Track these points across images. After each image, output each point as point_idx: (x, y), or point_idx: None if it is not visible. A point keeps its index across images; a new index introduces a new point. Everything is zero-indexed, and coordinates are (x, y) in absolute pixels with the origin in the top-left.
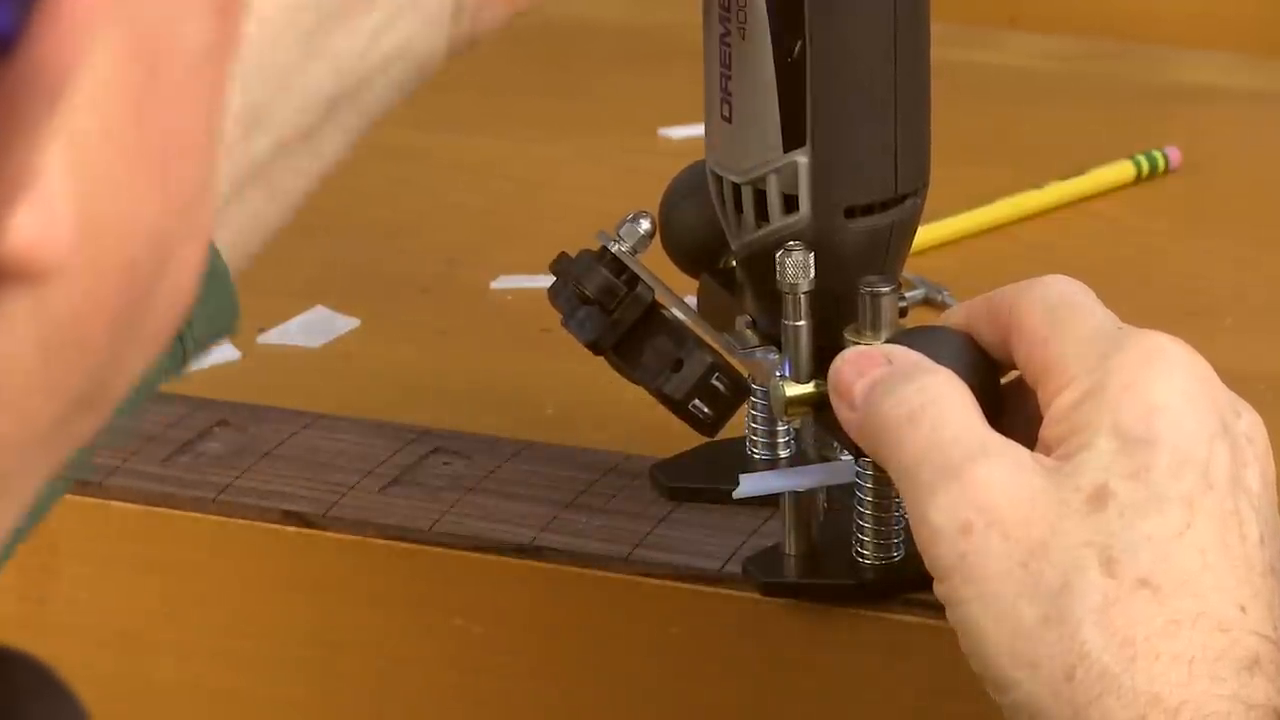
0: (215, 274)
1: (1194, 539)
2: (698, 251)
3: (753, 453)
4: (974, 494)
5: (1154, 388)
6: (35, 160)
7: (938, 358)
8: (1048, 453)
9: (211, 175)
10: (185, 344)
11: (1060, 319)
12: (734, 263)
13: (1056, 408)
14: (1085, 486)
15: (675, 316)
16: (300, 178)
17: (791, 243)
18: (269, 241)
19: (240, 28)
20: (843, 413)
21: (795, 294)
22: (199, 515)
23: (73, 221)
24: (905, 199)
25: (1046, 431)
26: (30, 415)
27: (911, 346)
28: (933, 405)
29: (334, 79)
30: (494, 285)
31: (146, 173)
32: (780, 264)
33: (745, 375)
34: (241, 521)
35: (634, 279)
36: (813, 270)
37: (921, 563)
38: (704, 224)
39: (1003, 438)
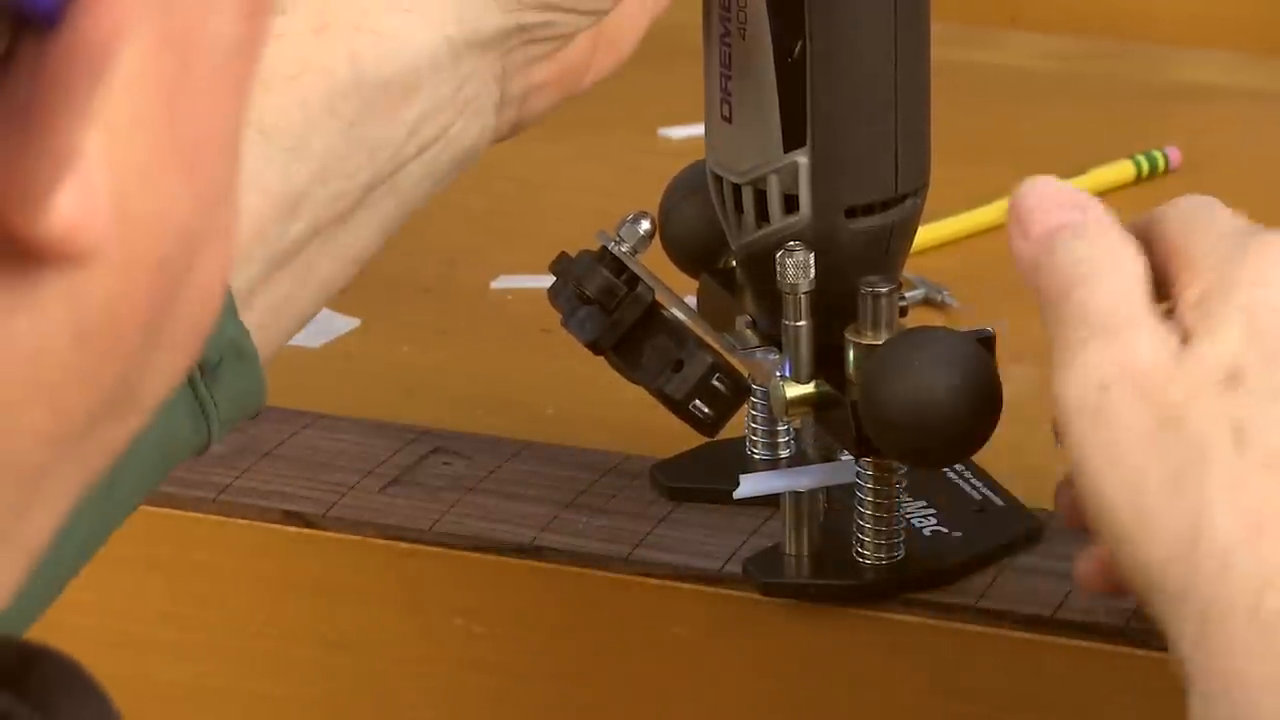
0: (244, 356)
1: None
2: (698, 251)
3: (753, 453)
4: (1121, 354)
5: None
6: (78, 140)
7: (937, 358)
8: (1181, 341)
9: (235, 176)
10: (210, 423)
11: (1192, 224)
12: (734, 263)
13: (1186, 300)
14: (1220, 366)
15: (675, 317)
16: (333, 261)
17: (792, 243)
18: (301, 327)
19: (269, 28)
20: (1016, 239)
21: (795, 294)
22: (199, 515)
23: (109, 208)
24: (905, 199)
25: (1179, 322)
26: (66, 409)
27: (912, 346)
28: (1112, 270)
29: (371, 168)
30: (494, 285)
31: (177, 167)
32: (780, 264)
33: (745, 375)
34: (241, 521)
35: (634, 279)
36: (813, 270)
37: (921, 562)
38: (704, 223)
39: (1161, 315)
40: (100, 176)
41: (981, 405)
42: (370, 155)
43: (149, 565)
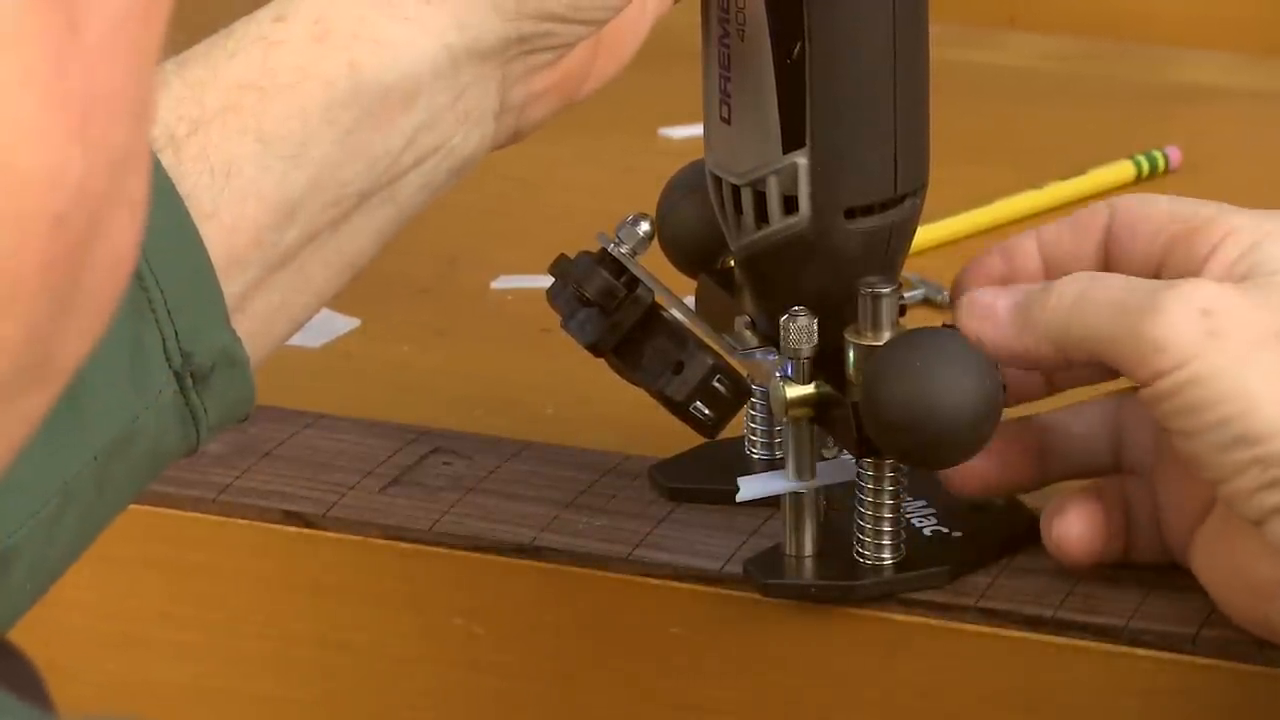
0: (235, 363)
1: None
2: (696, 251)
3: (752, 453)
4: (1199, 291)
5: None
6: None
7: (937, 359)
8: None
9: (143, 142)
10: (199, 429)
11: (1183, 202)
12: (732, 263)
13: (1227, 251)
14: None
15: (675, 318)
16: (327, 268)
17: (797, 309)
18: (294, 332)
19: None
20: (987, 332)
21: (799, 359)
22: (199, 515)
23: None
24: (905, 199)
25: (1227, 272)
26: None
27: (912, 346)
28: (1091, 277)
29: (368, 175)
30: (494, 285)
31: (67, 125)
32: (785, 329)
33: (745, 376)
34: (241, 521)
35: (633, 281)
36: (816, 336)
37: (921, 562)
38: (702, 224)
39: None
40: None
41: (981, 406)
42: (368, 165)
43: (148, 565)
